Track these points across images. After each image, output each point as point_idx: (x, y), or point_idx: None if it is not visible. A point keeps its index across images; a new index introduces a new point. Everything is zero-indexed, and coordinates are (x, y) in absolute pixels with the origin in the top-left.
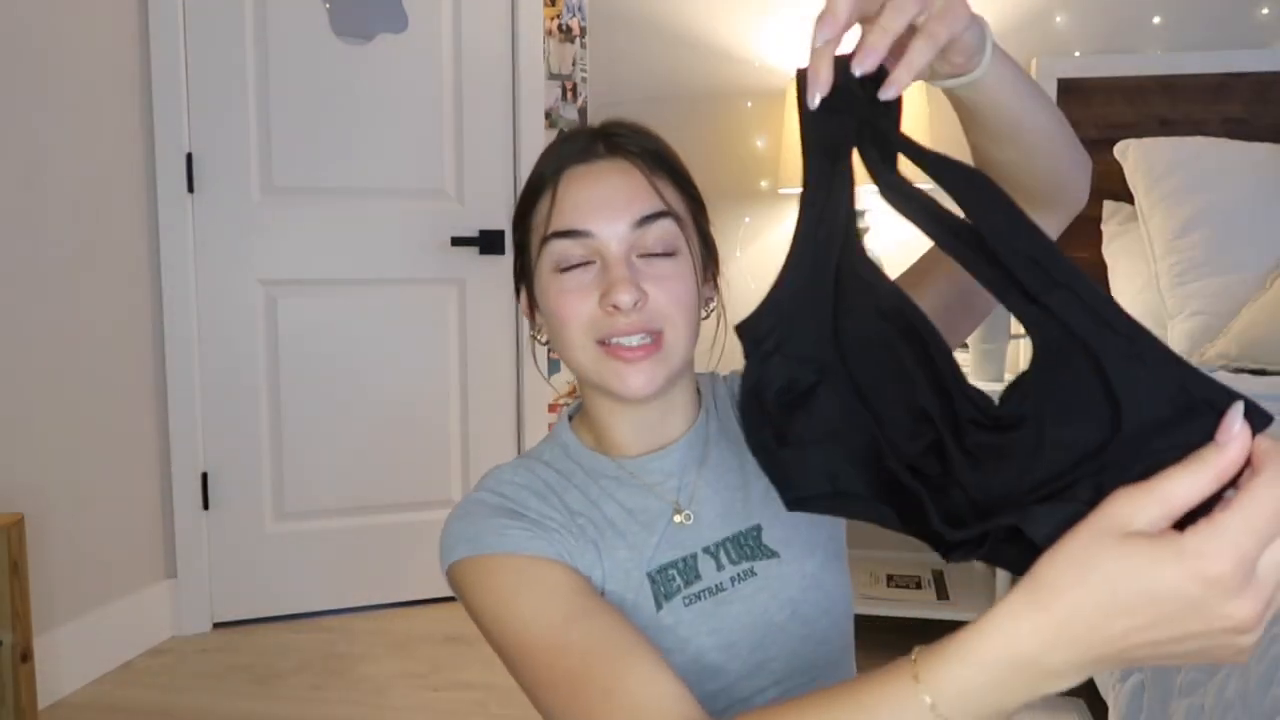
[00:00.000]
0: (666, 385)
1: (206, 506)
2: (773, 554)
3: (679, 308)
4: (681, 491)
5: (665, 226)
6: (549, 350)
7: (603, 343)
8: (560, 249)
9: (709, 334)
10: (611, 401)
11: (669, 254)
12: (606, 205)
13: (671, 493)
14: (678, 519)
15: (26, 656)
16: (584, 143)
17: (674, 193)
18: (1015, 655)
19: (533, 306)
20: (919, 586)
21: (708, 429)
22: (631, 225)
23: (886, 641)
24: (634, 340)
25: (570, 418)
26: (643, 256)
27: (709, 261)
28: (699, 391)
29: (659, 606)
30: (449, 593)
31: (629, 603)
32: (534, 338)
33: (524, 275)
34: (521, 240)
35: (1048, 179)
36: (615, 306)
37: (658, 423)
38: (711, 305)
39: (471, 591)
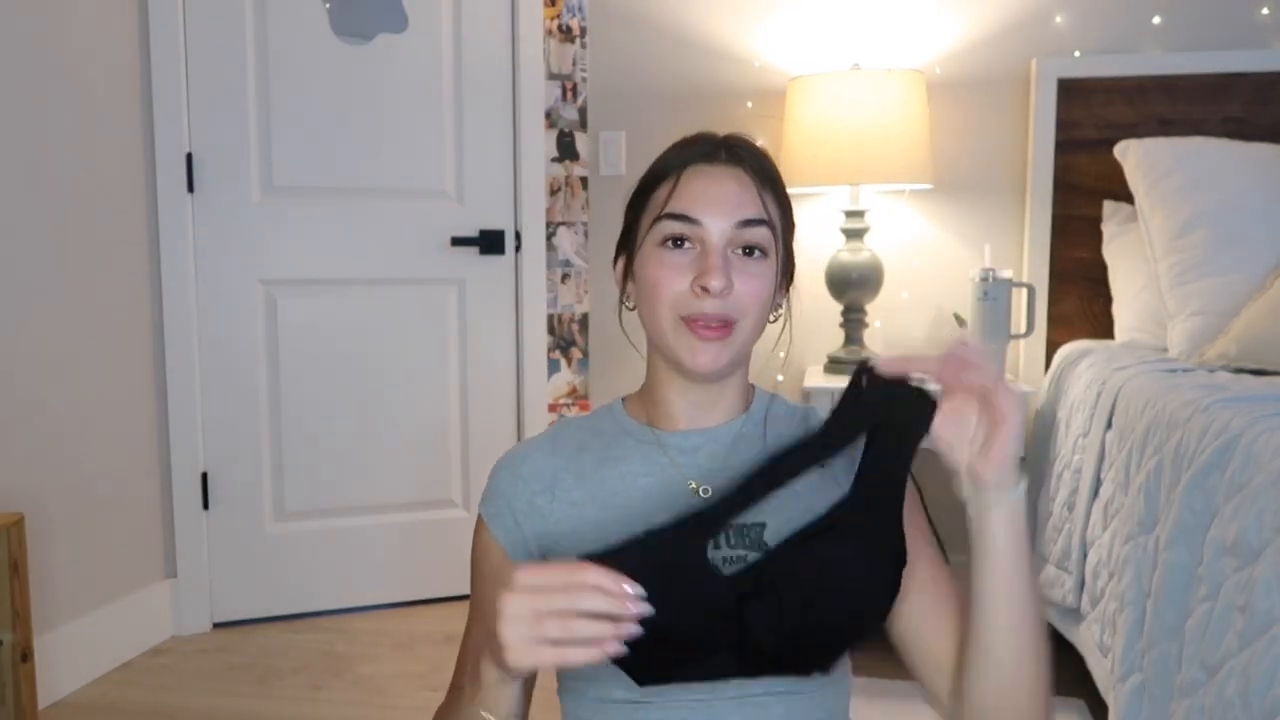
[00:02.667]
0: (728, 368)
1: (206, 506)
2: (760, 548)
3: (755, 304)
4: (702, 469)
5: (761, 232)
6: (550, 350)
7: (686, 319)
8: (671, 228)
9: (772, 335)
10: (673, 373)
11: (759, 256)
12: (718, 202)
13: (694, 468)
14: (693, 485)
15: (26, 656)
16: (710, 147)
17: (775, 207)
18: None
19: (626, 276)
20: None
21: (745, 428)
22: (735, 224)
23: (887, 641)
24: (712, 320)
25: (625, 400)
26: (736, 254)
27: (787, 271)
28: (752, 394)
29: None
30: (449, 593)
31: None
32: (623, 304)
33: (626, 245)
34: (633, 218)
35: (996, 684)
36: (705, 289)
37: (706, 404)
38: (779, 311)
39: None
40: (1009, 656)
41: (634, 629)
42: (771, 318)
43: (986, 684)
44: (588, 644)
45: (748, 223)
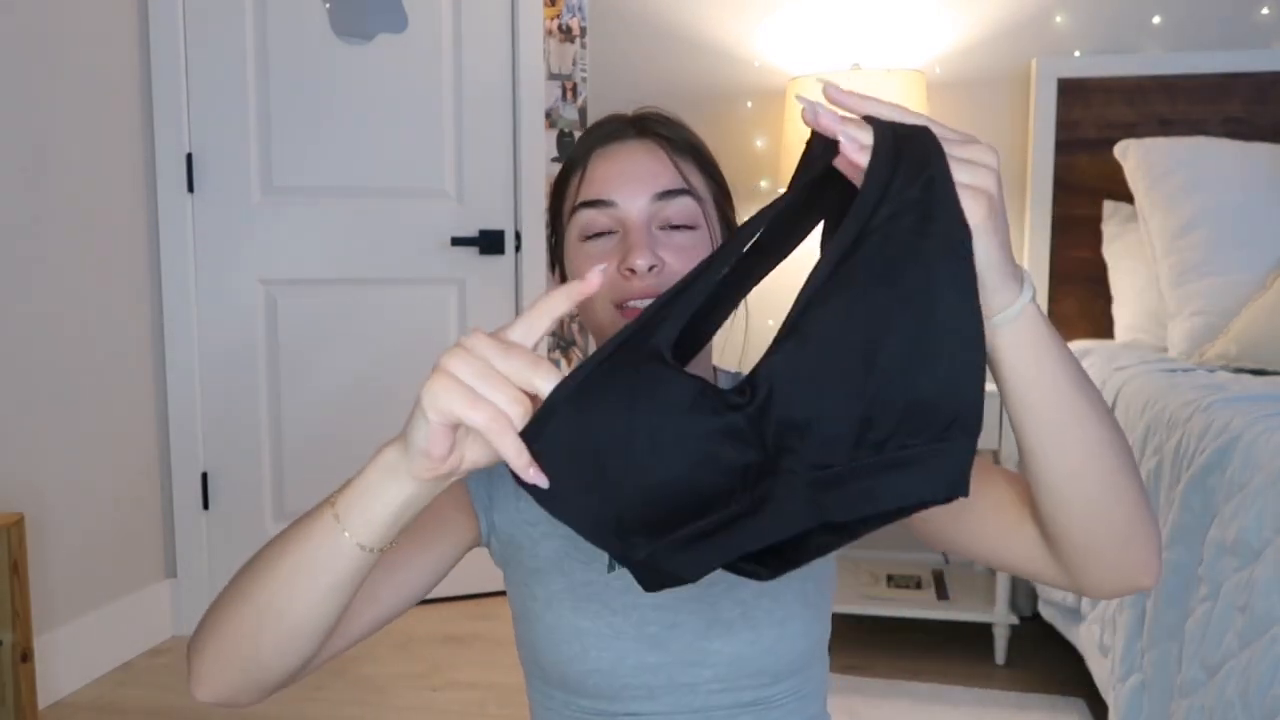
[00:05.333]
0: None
1: (206, 506)
2: None
3: None
4: None
5: (685, 203)
6: (550, 350)
7: (619, 306)
8: (586, 218)
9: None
10: None
11: (688, 228)
12: (630, 178)
13: None
14: None
15: (26, 656)
16: (617, 126)
17: (697, 175)
18: (382, 463)
19: (564, 279)
20: (919, 586)
21: None
22: (652, 198)
23: (887, 641)
24: (648, 304)
25: None
26: (663, 228)
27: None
28: (715, 379)
29: (611, 568)
30: (449, 593)
31: (578, 559)
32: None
33: (557, 251)
34: (554, 221)
35: (1080, 512)
36: (631, 270)
37: None
38: None
39: None
40: (1077, 458)
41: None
42: None
43: (1067, 514)
44: (501, 415)
45: (666, 194)
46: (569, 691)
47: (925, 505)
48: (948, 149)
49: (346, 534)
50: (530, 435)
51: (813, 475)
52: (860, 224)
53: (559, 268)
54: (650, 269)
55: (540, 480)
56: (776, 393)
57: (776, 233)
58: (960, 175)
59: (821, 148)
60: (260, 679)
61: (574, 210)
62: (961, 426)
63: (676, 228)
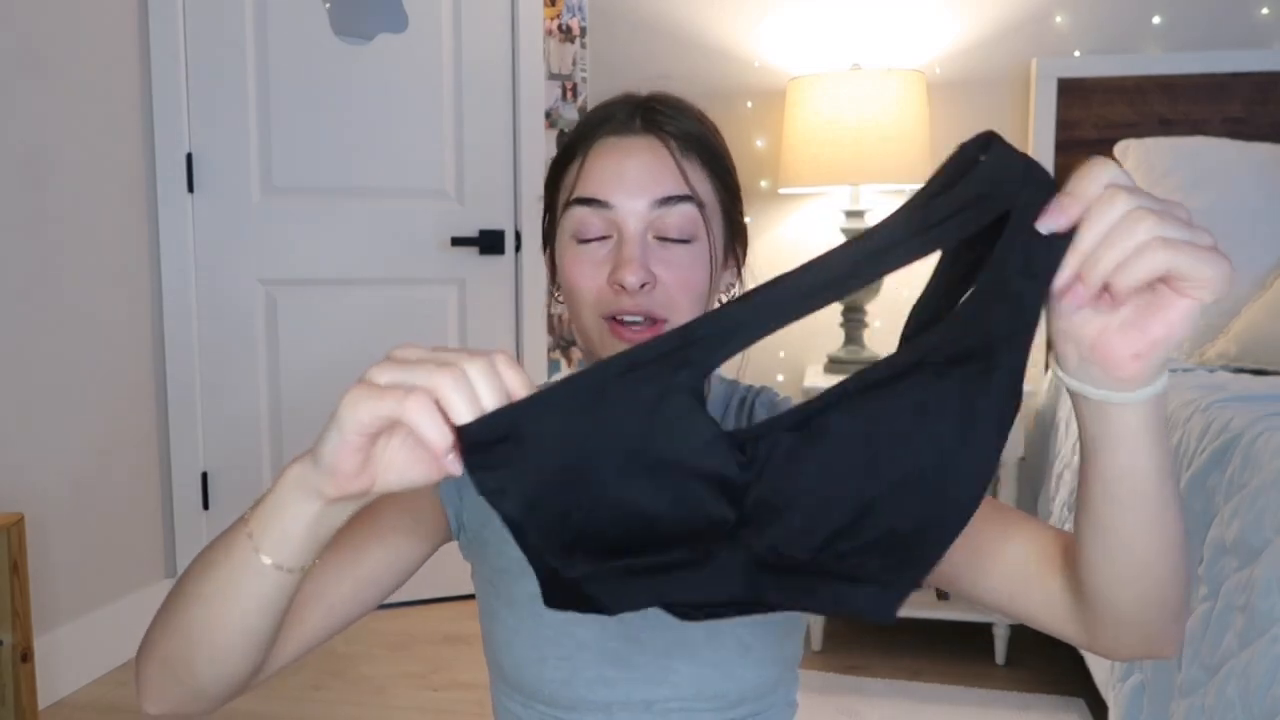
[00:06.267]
0: None
1: (206, 506)
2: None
3: (687, 296)
4: None
5: (685, 211)
6: (550, 350)
7: (607, 318)
8: (580, 216)
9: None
10: None
11: (686, 240)
12: (630, 181)
13: None
14: None
15: (26, 656)
16: (624, 114)
17: (703, 177)
18: (289, 479)
19: (554, 267)
20: (919, 586)
21: None
22: (651, 204)
23: (887, 641)
24: (636, 321)
25: None
26: (659, 239)
27: (734, 247)
28: (708, 388)
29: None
30: (449, 593)
31: None
32: (555, 297)
33: (549, 235)
34: (550, 201)
35: (1138, 593)
36: (621, 286)
37: None
38: (732, 291)
39: None
40: (1150, 549)
41: (456, 467)
42: (721, 299)
43: (1122, 585)
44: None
45: (666, 201)
46: (526, 694)
47: (843, 612)
48: (1177, 240)
49: (262, 556)
50: (497, 420)
51: (764, 556)
52: (930, 349)
53: (550, 250)
54: (642, 286)
55: (454, 469)
56: (769, 471)
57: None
58: (1195, 234)
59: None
60: (203, 693)
61: (569, 203)
62: (916, 567)
63: (674, 240)
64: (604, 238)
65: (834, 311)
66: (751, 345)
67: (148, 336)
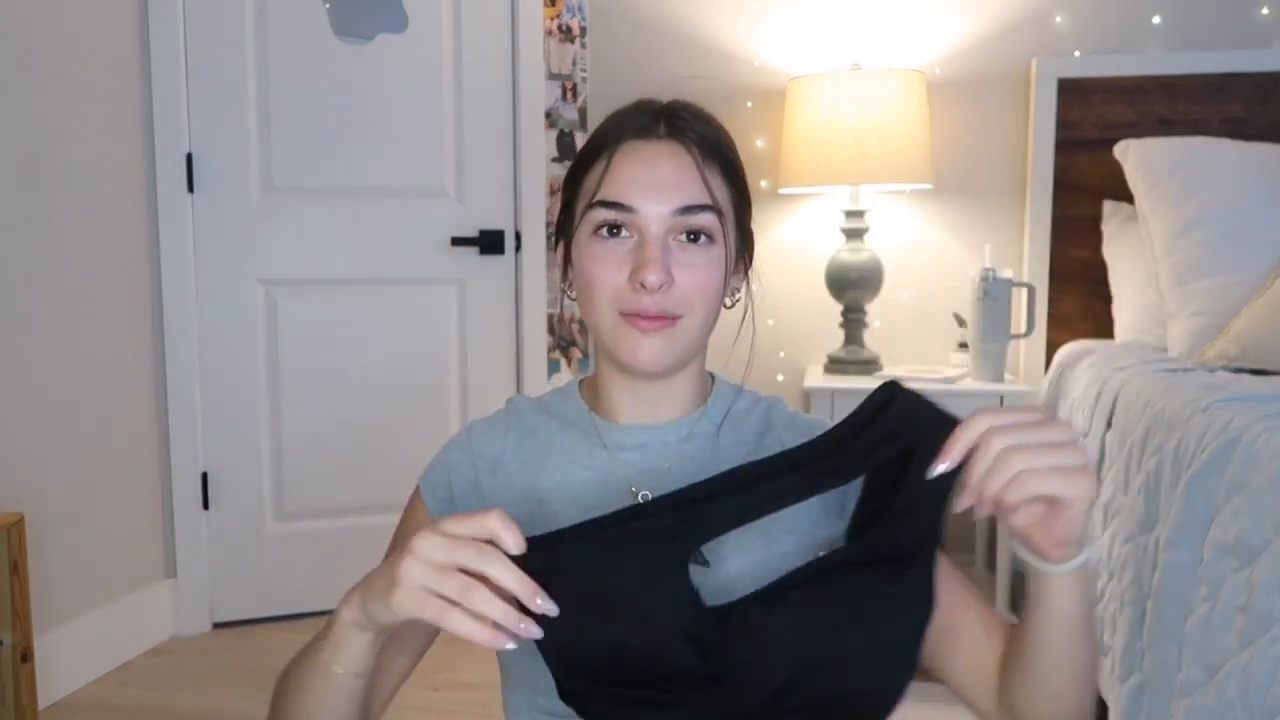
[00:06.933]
0: (674, 365)
1: (206, 506)
2: (704, 562)
3: (701, 297)
4: (644, 470)
5: (705, 218)
6: (550, 350)
7: (624, 314)
8: (603, 216)
9: (733, 324)
10: (617, 369)
11: (704, 243)
12: (655, 186)
13: (633, 467)
14: (632, 489)
15: (26, 656)
16: (647, 120)
17: (721, 184)
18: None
19: (567, 261)
20: None
21: (698, 426)
22: (674, 211)
23: None
24: (652, 314)
25: (581, 382)
26: (678, 241)
27: (743, 252)
28: (711, 388)
29: None
30: None
31: None
32: (564, 292)
33: (564, 230)
34: (569, 197)
35: (1050, 707)
36: (643, 285)
37: (653, 400)
38: (738, 295)
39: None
40: (1064, 683)
41: (533, 629)
42: (728, 303)
43: (1040, 704)
44: (477, 619)
45: (688, 209)
46: (549, 696)
47: None
48: (1035, 446)
49: (340, 671)
50: (547, 564)
51: (730, 708)
52: (880, 543)
53: (564, 247)
54: (660, 286)
55: (550, 608)
56: (736, 633)
57: (814, 470)
58: (1062, 459)
59: (926, 441)
60: None
61: (593, 204)
62: None
63: (693, 240)
64: (624, 236)
65: (834, 311)
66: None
67: (148, 336)
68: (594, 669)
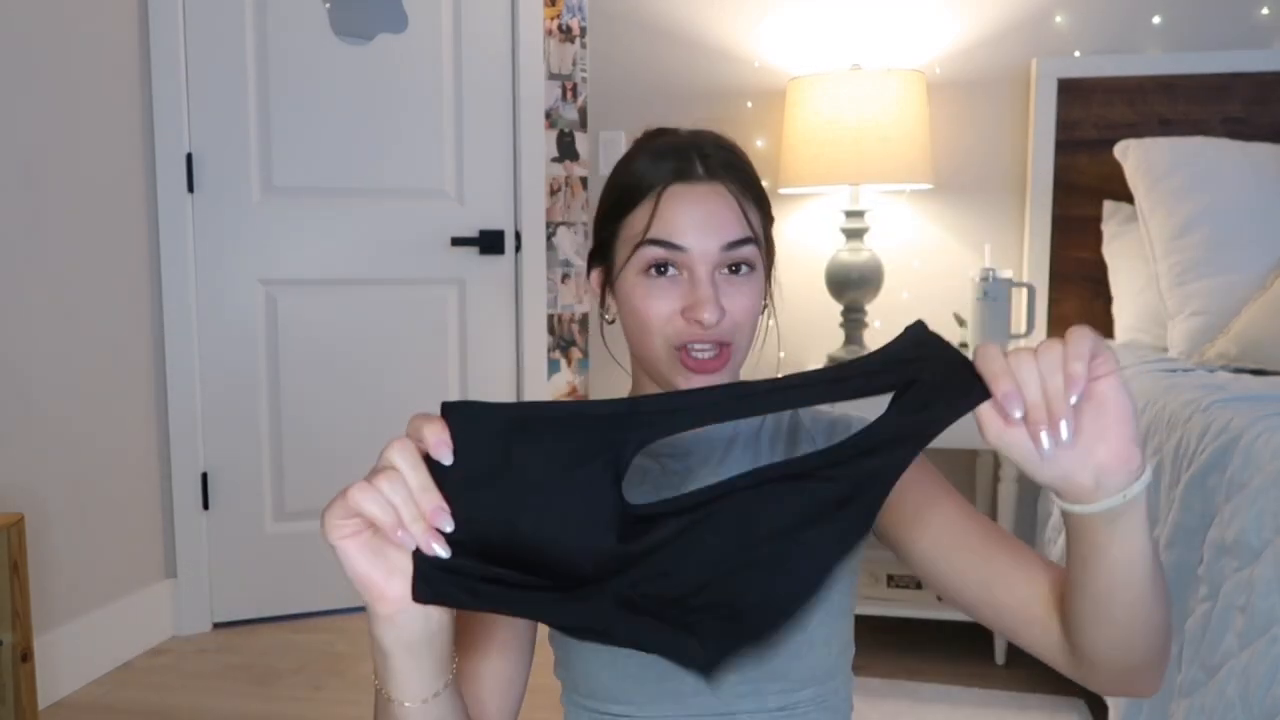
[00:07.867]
0: None
1: (206, 506)
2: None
3: (748, 320)
4: (678, 473)
5: (747, 250)
6: (550, 350)
7: (679, 348)
8: (654, 255)
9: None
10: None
11: (745, 273)
12: (703, 226)
13: (670, 472)
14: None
15: (26, 656)
16: (682, 161)
17: (756, 216)
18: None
19: (605, 289)
20: (919, 586)
21: (736, 428)
22: (721, 247)
23: (887, 641)
24: (707, 351)
25: None
26: (723, 274)
27: (769, 265)
28: None
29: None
30: None
31: None
32: (603, 317)
33: (602, 259)
34: (608, 235)
35: (1117, 655)
36: (699, 322)
37: None
38: (766, 303)
39: None
40: (1135, 623)
41: (437, 544)
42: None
43: (1110, 645)
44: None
45: (734, 244)
46: (601, 699)
47: (670, 657)
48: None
49: (405, 703)
50: (468, 414)
51: (623, 596)
52: (811, 466)
53: (604, 273)
54: (716, 324)
55: (446, 524)
56: (656, 542)
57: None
58: (1099, 346)
59: (958, 376)
60: None
61: (643, 243)
62: (744, 636)
63: (734, 271)
64: (673, 274)
65: (834, 311)
66: (679, 434)
67: (148, 336)
68: (483, 545)
